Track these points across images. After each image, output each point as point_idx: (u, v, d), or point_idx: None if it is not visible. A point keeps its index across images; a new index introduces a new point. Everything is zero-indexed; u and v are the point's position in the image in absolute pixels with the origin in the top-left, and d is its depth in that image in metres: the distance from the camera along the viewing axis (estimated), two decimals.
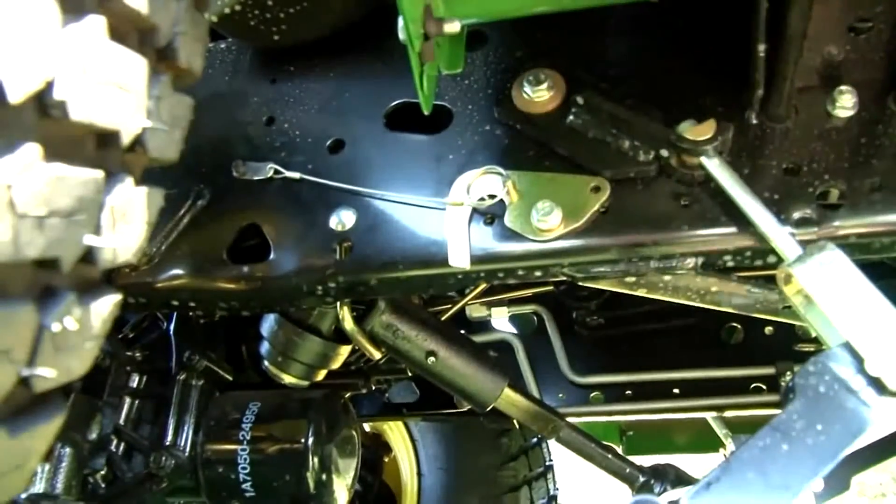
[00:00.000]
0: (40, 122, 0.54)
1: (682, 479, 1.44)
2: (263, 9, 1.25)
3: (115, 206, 0.63)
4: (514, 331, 1.98)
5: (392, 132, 1.24)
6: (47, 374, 0.59)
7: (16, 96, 0.50)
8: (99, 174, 0.59)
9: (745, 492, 0.79)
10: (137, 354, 1.61)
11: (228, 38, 1.44)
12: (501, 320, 1.94)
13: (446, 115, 1.22)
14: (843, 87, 1.04)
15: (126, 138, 0.62)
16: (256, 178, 1.24)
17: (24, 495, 1.04)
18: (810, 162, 1.04)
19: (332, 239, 1.16)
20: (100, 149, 0.62)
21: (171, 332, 1.61)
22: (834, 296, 0.90)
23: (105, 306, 0.65)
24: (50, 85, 0.53)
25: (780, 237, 0.97)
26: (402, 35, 0.87)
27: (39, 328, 0.58)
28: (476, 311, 1.88)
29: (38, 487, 1.30)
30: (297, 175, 1.21)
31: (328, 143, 1.25)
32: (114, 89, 0.59)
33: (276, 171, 1.23)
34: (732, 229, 1.03)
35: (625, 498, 1.56)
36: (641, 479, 1.46)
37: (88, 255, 0.61)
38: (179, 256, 1.22)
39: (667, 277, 1.14)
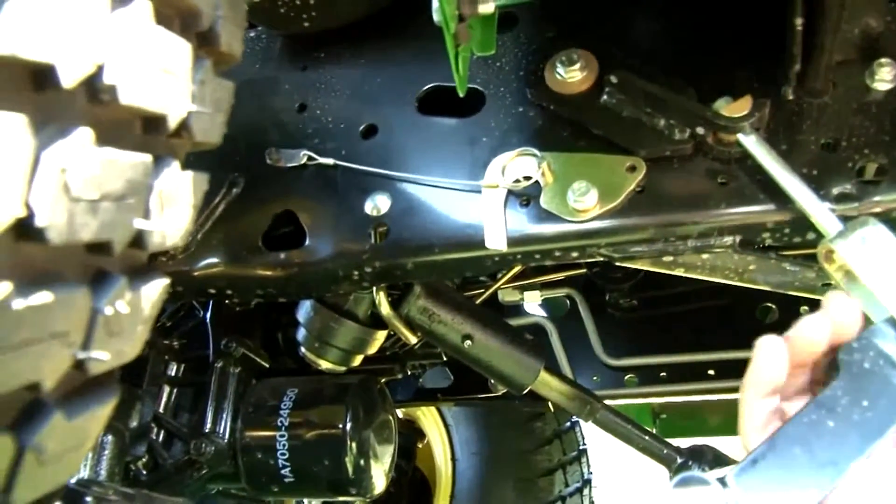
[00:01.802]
0: (91, 106, 0.54)
1: (719, 460, 1.43)
2: None
3: (163, 189, 0.63)
4: (547, 314, 1.98)
5: (424, 116, 1.24)
6: (101, 357, 0.60)
7: (69, 81, 0.50)
8: (147, 158, 0.60)
9: (792, 468, 0.78)
10: (175, 343, 1.64)
11: (259, 26, 1.44)
12: (534, 304, 1.94)
13: (478, 98, 1.21)
14: (882, 60, 1.03)
15: (172, 122, 0.63)
16: (290, 164, 1.25)
17: (72, 480, 1.06)
18: (849, 137, 1.03)
19: (367, 224, 1.16)
20: (147, 133, 0.62)
21: (208, 321, 1.62)
22: (877, 271, 0.89)
23: (154, 290, 0.66)
24: (100, 69, 0.53)
25: (821, 213, 0.96)
26: (436, 17, 0.87)
27: (93, 311, 0.59)
28: (508, 296, 1.88)
29: (83, 474, 1.32)
30: (330, 161, 1.21)
31: (361, 128, 1.25)
32: (161, 73, 0.59)
33: (310, 158, 1.23)
34: (771, 206, 1.02)
35: (661, 479, 1.56)
36: (679, 460, 1.46)
37: (138, 239, 0.62)
38: (215, 245, 1.23)
39: (704, 256, 1.13)
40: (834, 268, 0.94)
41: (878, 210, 0.99)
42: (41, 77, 0.49)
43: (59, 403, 0.59)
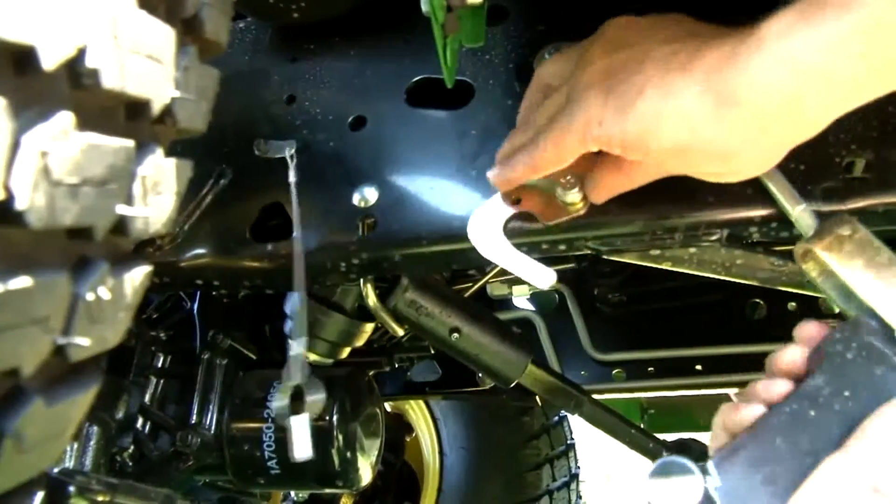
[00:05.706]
0: (72, 90, 0.54)
1: (705, 454, 1.43)
2: None
3: (146, 176, 0.63)
4: (535, 309, 1.98)
5: (413, 108, 1.23)
6: (82, 343, 0.59)
7: (50, 63, 0.50)
8: (130, 143, 0.60)
9: (773, 457, 0.79)
10: (162, 335, 1.63)
11: (248, 17, 1.44)
12: (522, 298, 1.94)
13: (467, 90, 1.21)
14: None
15: (156, 108, 0.63)
16: (278, 156, 1.24)
17: (56, 470, 1.06)
18: (836, 132, 1.03)
19: (355, 215, 1.16)
20: (130, 119, 0.62)
21: (195, 312, 1.62)
22: (856, 268, 0.89)
23: (137, 276, 0.66)
24: (82, 52, 0.53)
25: (798, 211, 0.96)
26: (424, 7, 0.86)
27: (74, 297, 0.58)
28: (497, 289, 1.88)
29: (68, 465, 1.32)
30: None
31: (350, 120, 1.25)
32: (144, 59, 0.59)
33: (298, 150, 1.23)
34: (758, 201, 1.02)
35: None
36: (665, 453, 1.46)
37: (120, 225, 0.62)
38: (203, 236, 1.23)
39: (692, 250, 1.13)
40: (811, 266, 0.94)
41: (863, 206, 0.99)
42: (21, 59, 0.49)
43: (40, 390, 0.59)
